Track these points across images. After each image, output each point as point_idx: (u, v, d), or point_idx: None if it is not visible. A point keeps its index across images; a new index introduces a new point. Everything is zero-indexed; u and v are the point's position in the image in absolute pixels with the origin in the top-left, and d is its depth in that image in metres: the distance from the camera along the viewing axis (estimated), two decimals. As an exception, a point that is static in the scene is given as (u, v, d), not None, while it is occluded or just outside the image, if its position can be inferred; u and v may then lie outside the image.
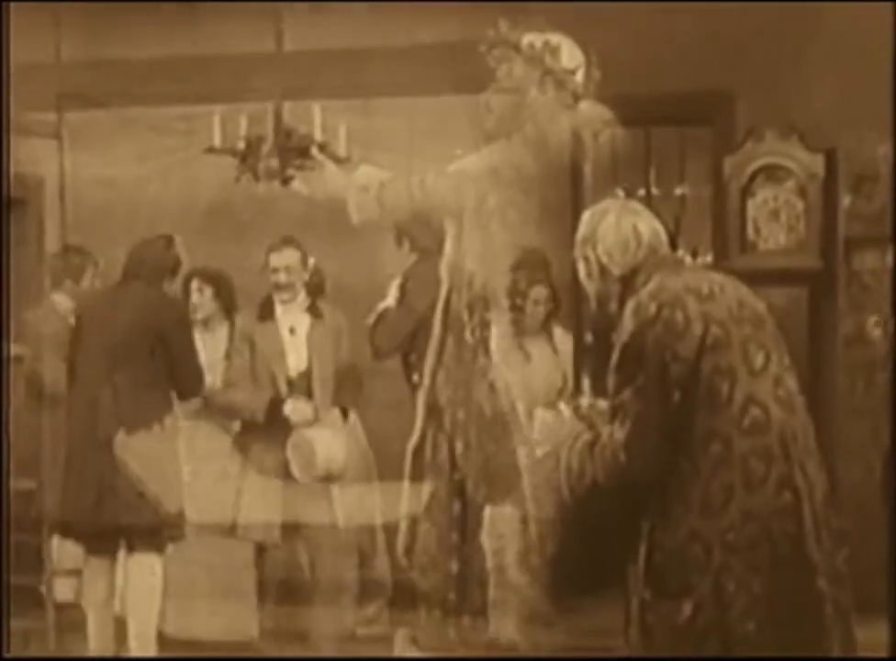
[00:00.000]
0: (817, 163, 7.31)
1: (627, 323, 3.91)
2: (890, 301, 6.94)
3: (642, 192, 9.23)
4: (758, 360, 3.89)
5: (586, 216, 4.18)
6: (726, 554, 3.80)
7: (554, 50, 5.09)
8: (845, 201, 7.23)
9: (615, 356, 3.92)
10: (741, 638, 3.80)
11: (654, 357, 3.83)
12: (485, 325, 5.13)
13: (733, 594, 3.79)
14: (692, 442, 3.83)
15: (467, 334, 5.15)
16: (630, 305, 3.94)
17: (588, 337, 7.21)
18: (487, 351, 5.11)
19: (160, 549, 5.91)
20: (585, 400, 4.37)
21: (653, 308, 3.88)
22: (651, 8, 7.27)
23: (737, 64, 7.31)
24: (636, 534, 3.93)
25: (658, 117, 7.75)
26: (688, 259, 8.60)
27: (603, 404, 4.15)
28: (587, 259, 4.11)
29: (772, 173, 7.42)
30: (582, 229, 4.15)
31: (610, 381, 3.94)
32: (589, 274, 4.12)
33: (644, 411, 3.84)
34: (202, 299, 6.85)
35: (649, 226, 4.10)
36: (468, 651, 5.46)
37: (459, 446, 5.21)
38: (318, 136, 6.82)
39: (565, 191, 5.33)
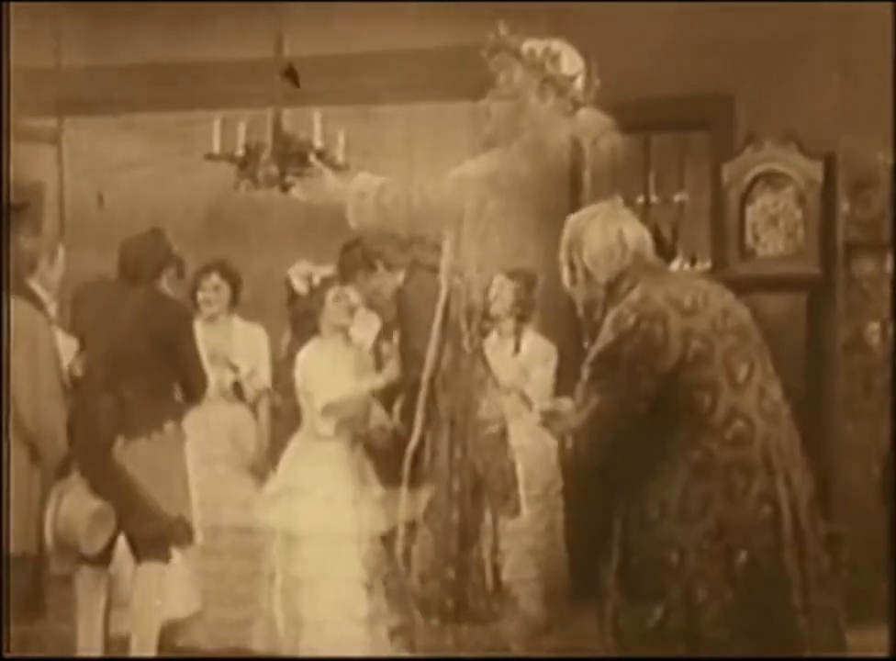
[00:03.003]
0: (816, 170, 7.32)
1: (606, 333, 3.90)
2: (889, 307, 6.95)
3: (640, 199, 9.22)
4: (742, 372, 3.88)
5: (571, 220, 4.16)
6: (701, 560, 3.79)
7: (555, 57, 5.08)
8: (844, 207, 7.23)
9: (589, 357, 3.92)
10: (710, 645, 3.78)
11: (627, 368, 3.83)
12: (483, 332, 5.12)
13: (704, 601, 3.79)
14: (673, 448, 3.82)
15: (465, 342, 5.15)
16: (611, 314, 3.93)
17: (586, 344, 7.22)
18: (484, 358, 5.11)
19: (165, 558, 5.86)
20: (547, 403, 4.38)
21: (632, 320, 3.86)
22: (650, 15, 7.28)
23: (736, 70, 7.31)
24: (608, 539, 3.93)
25: (657, 123, 7.75)
26: (686, 266, 8.61)
27: (568, 404, 4.16)
28: (572, 265, 4.10)
29: (771, 180, 7.43)
30: (567, 235, 4.13)
31: (582, 373, 3.95)
32: (574, 281, 4.11)
33: (603, 408, 3.85)
34: (217, 295, 6.75)
35: (635, 232, 4.08)
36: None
37: (457, 453, 5.20)
38: (316, 142, 6.82)
39: (564, 198, 5.33)
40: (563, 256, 4.15)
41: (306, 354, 6.22)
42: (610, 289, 4.02)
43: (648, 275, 4.00)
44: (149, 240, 5.98)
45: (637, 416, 3.82)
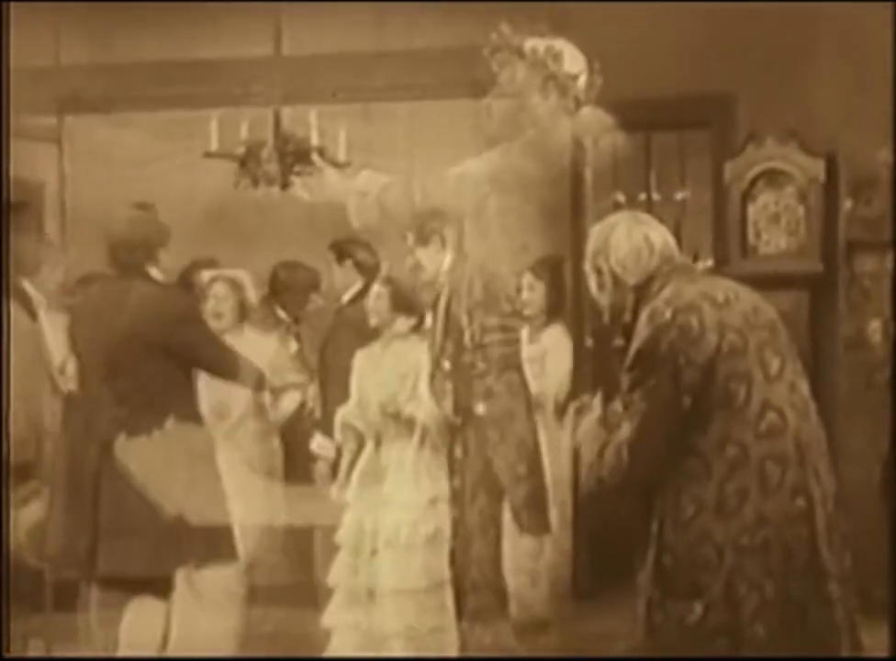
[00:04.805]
0: (817, 168, 7.33)
1: (642, 329, 3.94)
2: (891, 305, 6.95)
3: (642, 197, 9.23)
4: (774, 365, 3.94)
5: (595, 229, 4.22)
6: (739, 556, 3.83)
7: (557, 56, 5.07)
8: (846, 205, 7.24)
9: (629, 359, 3.96)
10: (751, 640, 3.82)
11: (667, 361, 3.86)
12: (484, 330, 5.11)
13: (744, 596, 3.82)
14: (707, 445, 3.86)
15: (466, 339, 5.14)
16: (645, 312, 3.98)
17: (589, 341, 7.22)
18: (485, 356, 5.09)
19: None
20: (574, 404, 4.40)
21: (668, 314, 3.91)
22: (652, 13, 7.28)
23: (738, 69, 7.32)
24: (645, 535, 3.95)
25: (659, 121, 7.76)
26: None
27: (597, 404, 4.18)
28: (599, 271, 4.14)
29: (773, 178, 7.44)
30: (592, 243, 4.19)
31: (623, 382, 3.98)
32: (602, 286, 4.16)
33: (652, 413, 3.88)
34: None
35: (660, 235, 4.15)
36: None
37: (458, 452, 5.20)
38: (317, 141, 6.81)
39: (566, 196, 5.33)
40: (588, 264, 4.20)
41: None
42: (641, 291, 4.07)
43: (679, 275, 4.07)
44: (138, 220, 5.66)
45: (683, 413, 3.85)
